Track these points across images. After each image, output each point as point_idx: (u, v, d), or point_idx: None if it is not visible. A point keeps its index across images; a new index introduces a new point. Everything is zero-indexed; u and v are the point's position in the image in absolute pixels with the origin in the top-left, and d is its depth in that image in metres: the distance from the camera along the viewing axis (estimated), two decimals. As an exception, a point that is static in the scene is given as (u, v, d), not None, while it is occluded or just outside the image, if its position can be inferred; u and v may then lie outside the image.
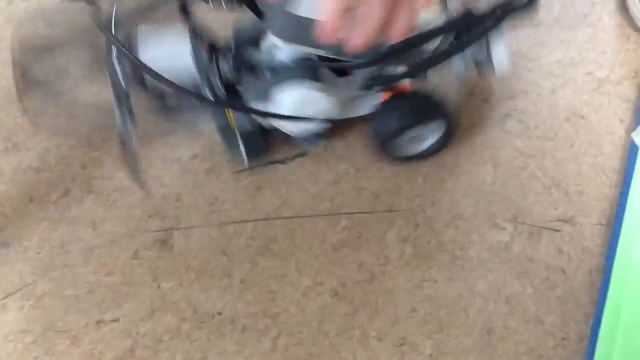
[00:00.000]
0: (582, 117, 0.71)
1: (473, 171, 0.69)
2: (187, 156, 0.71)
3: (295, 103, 0.59)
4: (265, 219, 0.67)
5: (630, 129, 0.69)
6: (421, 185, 0.68)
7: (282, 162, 0.71)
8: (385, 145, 0.66)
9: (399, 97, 0.63)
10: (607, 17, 0.79)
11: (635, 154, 0.67)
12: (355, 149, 0.71)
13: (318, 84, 0.59)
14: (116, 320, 0.62)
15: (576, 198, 0.66)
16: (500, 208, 0.67)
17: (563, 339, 0.59)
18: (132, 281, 0.64)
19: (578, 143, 0.70)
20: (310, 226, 0.67)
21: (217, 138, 0.70)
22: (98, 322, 0.62)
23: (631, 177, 0.65)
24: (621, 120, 0.70)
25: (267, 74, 0.60)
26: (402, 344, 0.60)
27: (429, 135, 0.67)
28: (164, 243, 0.66)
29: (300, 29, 0.52)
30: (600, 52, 0.75)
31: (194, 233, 0.67)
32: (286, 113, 0.60)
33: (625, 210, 0.64)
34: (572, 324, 0.60)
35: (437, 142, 0.67)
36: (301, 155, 0.71)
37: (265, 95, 0.60)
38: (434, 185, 0.68)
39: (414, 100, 0.64)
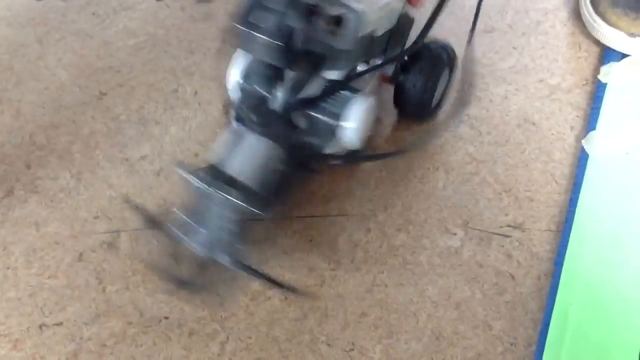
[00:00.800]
0: (534, 124, 0.72)
1: (425, 176, 0.69)
2: (135, 157, 0.70)
3: (362, 115, 0.59)
4: (215, 223, 0.66)
5: (580, 136, 0.70)
6: (373, 189, 0.68)
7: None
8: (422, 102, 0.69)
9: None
10: (560, 25, 0.80)
11: (585, 160, 0.68)
12: (307, 152, 0.70)
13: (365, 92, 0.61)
14: (59, 324, 0.60)
15: (526, 204, 0.67)
16: (451, 213, 0.66)
17: (511, 344, 0.59)
18: (77, 284, 0.62)
19: (529, 149, 0.70)
20: (260, 229, 0.66)
21: (166, 139, 0.69)
22: (40, 326, 0.60)
23: (581, 184, 0.66)
24: (572, 128, 0.71)
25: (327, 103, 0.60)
26: (351, 349, 0.60)
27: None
28: (111, 245, 0.65)
29: None
30: (552, 59, 0.76)
31: (141, 235, 0.65)
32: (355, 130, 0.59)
33: (574, 217, 0.64)
34: (520, 329, 0.60)
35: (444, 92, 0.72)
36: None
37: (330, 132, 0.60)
38: (386, 190, 0.68)
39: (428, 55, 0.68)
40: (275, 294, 0.62)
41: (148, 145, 0.71)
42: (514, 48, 0.77)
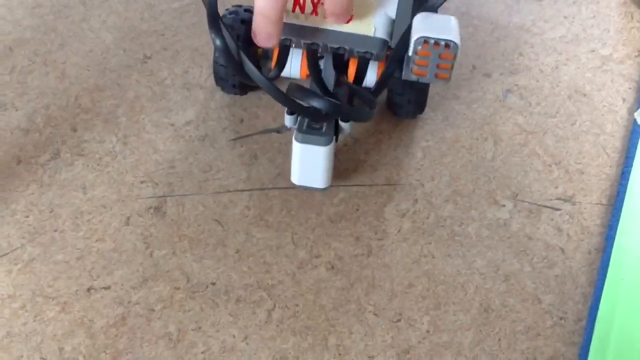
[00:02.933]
0: (585, 95, 0.70)
1: (473, 146, 0.68)
2: (180, 122, 0.70)
3: None
4: (261, 189, 0.66)
5: (632, 109, 0.69)
6: (420, 159, 0.67)
7: (278, 131, 0.69)
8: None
9: None
10: (612, -6, 0.78)
11: (638, 133, 0.66)
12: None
13: None
14: (107, 287, 0.60)
15: (577, 177, 0.66)
16: (500, 185, 0.66)
17: (561, 318, 0.59)
18: (124, 248, 0.62)
19: (580, 121, 0.69)
20: (306, 198, 0.65)
21: (211, 105, 0.68)
22: (89, 289, 0.60)
23: (633, 157, 0.65)
24: (624, 100, 0.70)
25: None
26: (398, 320, 0.59)
27: None
28: (157, 210, 0.65)
29: None
30: (604, 29, 0.74)
31: (187, 201, 0.65)
32: None
33: (627, 191, 0.63)
34: (570, 304, 0.59)
35: None
36: (298, 124, 0.69)
37: None
38: (434, 160, 0.67)
39: None
40: (321, 262, 0.62)
41: (193, 111, 0.70)
42: (565, 17, 0.76)
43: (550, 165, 0.66)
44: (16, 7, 0.76)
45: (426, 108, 0.70)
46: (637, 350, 0.56)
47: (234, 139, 0.68)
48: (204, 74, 0.73)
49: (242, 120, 0.70)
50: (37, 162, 0.67)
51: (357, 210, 0.65)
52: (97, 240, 0.63)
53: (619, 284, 0.59)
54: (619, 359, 0.55)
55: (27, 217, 0.64)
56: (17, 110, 0.69)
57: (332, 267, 0.62)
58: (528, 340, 0.58)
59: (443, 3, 0.57)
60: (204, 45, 0.75)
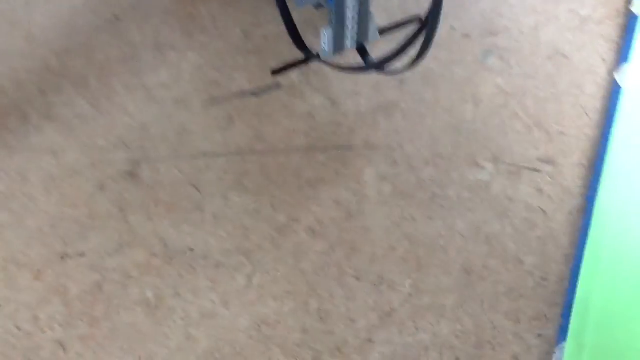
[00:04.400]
0: (565, 56, 0.69)
1: (453, 108, 0.67)
2: (153, 83, 0.67)
3: None
4: (238, 153, 0.64)
5: (612, 69, 0.68)
6: (400, 121, 0.66)
7: (255, 93, 0.68)
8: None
9: None
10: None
11: (618, 94, 0.66)
12: (331, 82, 0.68)
13: None
14: (82, 254, 0.59)
15: (557, 138, 0.65)
16: (480, 147, 0.65)
17: (543, 279, 0.59)
18: (98, 214, 0.61)
19: (560, 82, 0.68)
20: (284, 161, 0.64)
21: (183, 66, 0.66)
22: (62, 256, 0.59)
23: (613, 117, 0.64)
24: (603, 60, 0.69)
25: None
26: (380, 283, 0.59)
27: None
28: (131, 175, 0.63)
29: None
30: (583, -11, 0.74)
31: (162, 165, 0.63)
32: None
33: (607, 151, 0.63)
34: (552, 265, 0.59)
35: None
36: (275, 87, 0.67)
37: None
38: (414, 122, 0.66)
39: None
40: (301, 227, 0.61)
41: (165, 72, 0.68)
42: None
43: (530, 127, 0.66)
44: (-22, -35, 0.73)
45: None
46: (618, 310, 0.56)
47: (209, 102, 0.66)
48: (176, 34, 0.70)
49: (216, 82, 0.68)
50: (5, 126, 0.64)
51: (337, 173, 0.64)
52: (70, 206, 0.61)
53: (602, 243, 0.59)
54: (601, 319, 0.55)
55: (-4, 183, 0.62)
56: (-19, 72, 0.67)
57: (312, 232, 0.61)
58: (510, 301, 0.58)
59: None
60: (175, 3, 0.72)
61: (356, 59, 0.62)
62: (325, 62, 0.60)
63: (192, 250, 0.59)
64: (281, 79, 0.68)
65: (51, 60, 0.68)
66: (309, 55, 0.59)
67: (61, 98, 0.66)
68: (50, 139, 0.64)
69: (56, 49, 0.69)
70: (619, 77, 0.67)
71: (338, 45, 0.58)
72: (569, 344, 0.55)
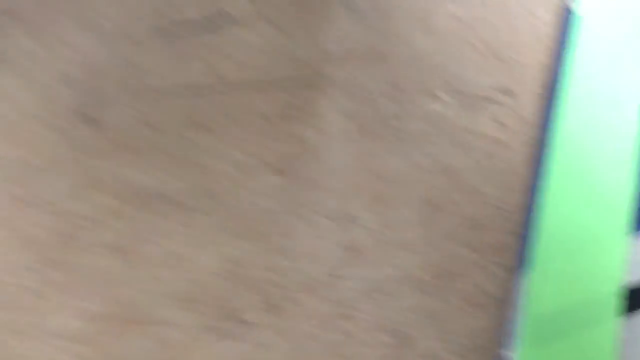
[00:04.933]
0: (517, -19, 0.69)
1: (411, 43, 0.66)
2: (102, 18, 0.64)
3: None
4: (194, 90, 0.62)
5: (565, -5, 0.68)
6: (358, 55, 0.65)
7: (207, 27, 0.65)
8: None
9: None
10: None
11: (571, 21, 0.66)
12: (284, 11, 0.66)
13: None
14: (43, 199, 0.57)
15: (513, 67, 0.65)
16: (436, 77, 0.65)
17: (503, 209, 0.60)
18: (57, 158, 0.58)
19: (513, 10, 0.68)
20: (242, 97, 0.63)
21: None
22: (24, 203, 0.57)
23: (568, 45, 0.65)
24: (556, -15, 0.69)
25: None
26: (344, 219, 0.59)
27: None
28: (86, 117, 0.60)
29: None
30: None
31: (117, 105, 0.61)
32: None
33: (563, 79, 0.64)
34: (512, 195, 0.60)
35: None
36: (227, 19, 0.65)
37: None
38: (368, 52, 0.65)
39: None
40: (264, 165, 0.60)
41: (114, 6, 0.65)
42: None
43: (486, 56, 0.66)
44: None
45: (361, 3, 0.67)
46: (578, 235, 0.58)
47: (160, 36, 0.64)
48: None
49: (167, 15, 0.65)
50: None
51: (297, 109, 0.63)
52: (27, 151, 0.59)
53: (560, 173, 0.60)
54: (562, 244, 0.58)
55: (-63, 130, 0.58)
56: None
57: (276, 170, 0.60)
58: (472, 232, 0.59)
59: None
60: None
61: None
62: None
63: (154, 192, 0.58)
64: (230, 7, 0.65)
65: (-15, -5, 0.64)
66: None
67: (9, 39, 0.62)
68: (1, 82, 0.61)
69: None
70: (572, 3, 0.67)
71: None
72: (533, 272, 0.57)
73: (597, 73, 0.64)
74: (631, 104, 0.63)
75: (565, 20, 0.67)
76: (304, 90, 0.63)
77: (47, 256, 0.54)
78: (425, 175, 0.61)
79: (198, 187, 0.59)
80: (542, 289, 0.58)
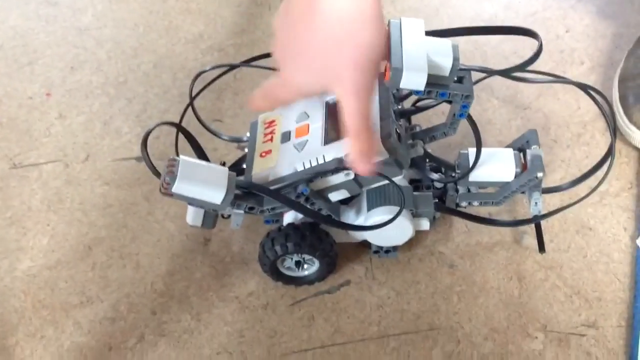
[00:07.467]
0: (590, 229, 0.81)
1: (501, 286, 0.78)
2: (243, 294, 0.80)
3: None
4: (322, 347, 0.75)
5: (634, 236, 0.79)
6: (457, 303, 0.77)
7: (329, 292, 0.79)
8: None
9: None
10: (599, 135, 0.90)
11: (641, 259, 0.76)
12: (393, 274, 0.79)
13: None
14: None
15: (596, 303, 0.75)
16: (530, 318, 0.75)
17: None
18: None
19: (590, 253, 0.79)
20: (362, 350, 0.75)
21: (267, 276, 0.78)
22: None
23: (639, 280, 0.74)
24: (625, 229, 0.80)
25: None
26: None
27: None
28: (236, 379, 0.74)
29: None
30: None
31: (260, 367, 0.74)
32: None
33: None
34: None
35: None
36: (345, 284, 0.79)
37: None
38: (468, 302, 0.77)
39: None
40: None
41: (253, 282, 0.81)
42: (562, 161, 0.87)
43: (571, 296, 0.76)
44: (90, 210, 0.88)
45: (454, 257, 0.80)
46: None
47: (292, 304, 0.78)
48: (257, 249, 0.84)
49: (296, 287, 0.80)
50: (126, 346, 0.77)
51: (408, 356, 0.74)
52: (187, 412, 0.72)
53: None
54: None
55: (124, 398, 0.73)
56: (102, 302, 0.80)
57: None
58: None
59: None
60: (255, 223, 0.86)
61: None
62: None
63: None
64: (349, 275, 0.80)
65: (157, 284, 0.81)
66: None
67: (170, 316, 0.79)
68: (164, 353, 0.76)
69: (160, 273, 0.82)
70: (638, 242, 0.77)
71: None
72: None
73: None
74: None
75: (636, 258, 0.77)
76: (414, 339, 0.75)
77: None
78: (529, 407, 0.69)
79: None
80: None
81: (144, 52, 1.04)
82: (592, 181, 0.84)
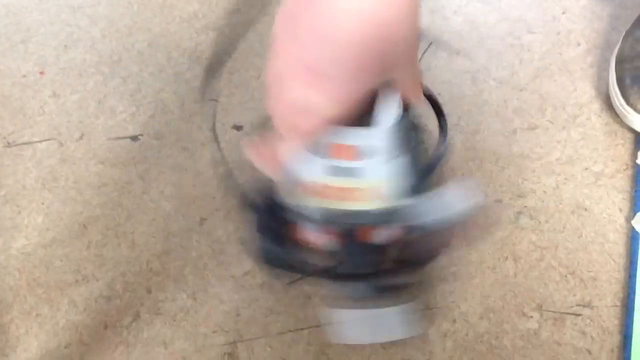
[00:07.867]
0: (586, 209, 0.81)
1: (496, 266, 0.78)
2: (240, 273, 0.80)
3: None
4: (318, 326, 0.75)
5: (629, 217, 0.79)
6: (452, 282, 0.77)
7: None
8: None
9: None
10: (595, 117, 0.89)
11: (637, 239, 0.76)
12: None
13: None
14: None
15: (591, 283, 0.75)
16: (525, 298, 0.75)
17: (597, 412, 0.67)
18: (208, 394, 0.71)
19: (585, 233, 0.79)
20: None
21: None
22: None
23: (636, 261, 0.75)
24: (620, 210, 0.80)
25: None
26: None
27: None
28: (231, 356, 0.74)
29: None
30: (593, 148, 0.86)
31: (256, 344, 0.75)
32: None
33: (636, 291, 0.73)
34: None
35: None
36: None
37: None
38: (464, 282, 0.77)
39: None
40: None
41: (249, 261, 0.81)
42: (557, 142, 0.87)
43: (566, 276, 0.76)
44: (85, 189, 0.88)
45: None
46: None
47: (288, 283, 0.78)
48: (254, 228, 0.84)
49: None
50: (122, 324, 0.77)
51: (405, 335, 0.74)
52: (184, 390, 0.72)
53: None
54: None
55: (121, 375, 0.73)
56: (97, 280, 0.80)
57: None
58: None
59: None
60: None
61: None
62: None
63: (291, 417, 0.69)
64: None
65: (153, 263, 0.81)
66: None
67: (165, 294, 0.79)
68: (160, 332, 0.76)
69: (156, 252, 0.82)
70: (636, 225, 0.78)
71: None
72: None
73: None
74: None
75: (630, 239, 0.77)
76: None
77: None
78: (524, 385, 0.70)
79: None
80: None
81: (139, 30, 1.04)
82: (587, 162, 0.84)
